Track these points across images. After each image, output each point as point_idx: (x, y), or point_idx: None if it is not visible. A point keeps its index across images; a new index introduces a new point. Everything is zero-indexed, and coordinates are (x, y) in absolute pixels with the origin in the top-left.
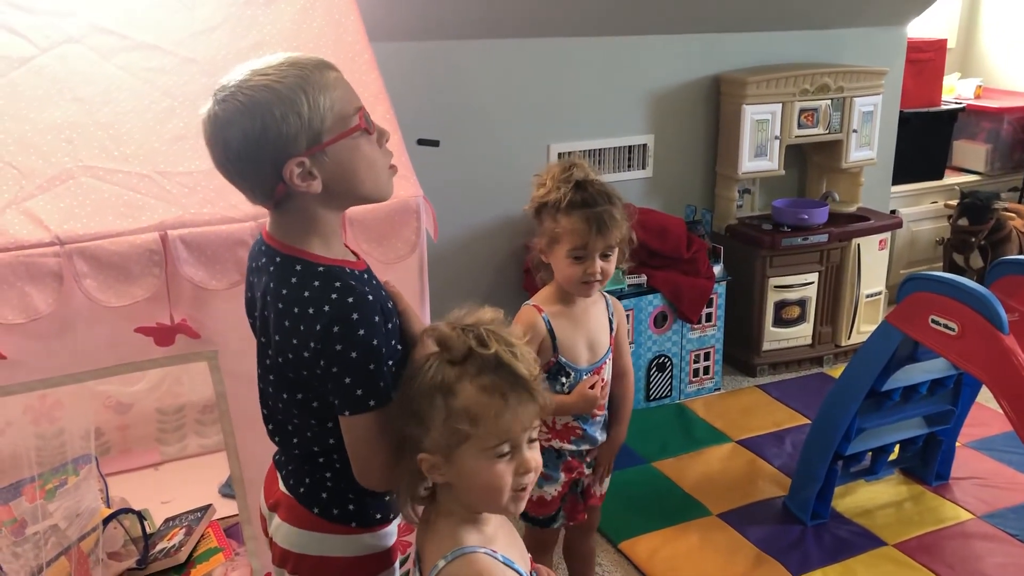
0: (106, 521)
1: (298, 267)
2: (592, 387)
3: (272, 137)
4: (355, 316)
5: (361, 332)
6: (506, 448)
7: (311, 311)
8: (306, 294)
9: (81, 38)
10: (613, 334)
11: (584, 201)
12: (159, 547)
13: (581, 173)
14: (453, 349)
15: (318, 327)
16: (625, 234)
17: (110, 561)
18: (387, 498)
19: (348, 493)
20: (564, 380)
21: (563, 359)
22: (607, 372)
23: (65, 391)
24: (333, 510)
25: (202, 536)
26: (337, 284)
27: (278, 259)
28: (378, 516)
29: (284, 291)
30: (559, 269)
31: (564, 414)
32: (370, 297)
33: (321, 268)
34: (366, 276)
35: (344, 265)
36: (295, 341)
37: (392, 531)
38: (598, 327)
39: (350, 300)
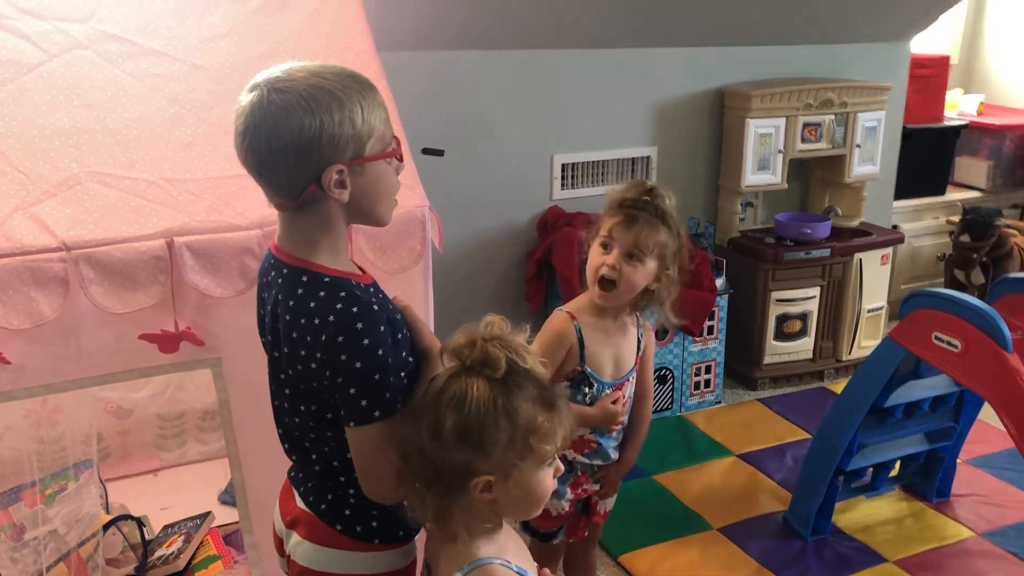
0: (105, 527)
1: (304, 278)
2: (614, 403)
3: (326, 138)
4: (359, 326)
5: (366, 342)
6: (553, 456)
7: (317, 321)
8: (312, 304)
9: (90, 44)
10: (639, 354)
11: (635, 204)
12: (157, 554)
13: (653, 190)
14: (496, 367)
15: (323, 337)
16: (663, 245)
17: (108, 568)
18: (410, 515)
19: (372, 510)
20: (587, 390)
21: (588, 369)
22: (629, 390)
23: (66, 396)
24: (356, 527)
25: (201, 543)
26: (342, 294)
27: (285, 271)
28: (400, 533)
29: (291, 302)
30: (589, 262)
31: (583, 426)
32: (375, 308)
33: (327, 279)
34: (372, 289)
35: (350, 277)
36: (303, 352)
37: (413, 548)
38: (626, 344)
39: (355, 310)
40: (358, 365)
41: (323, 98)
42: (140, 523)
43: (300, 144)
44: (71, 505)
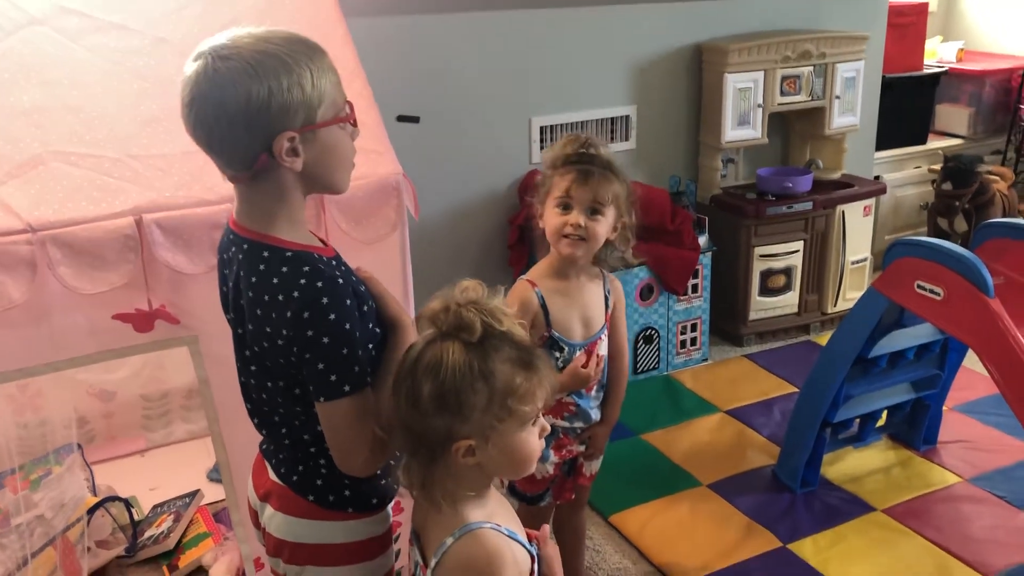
0: (93, 509)
1: (265, 253)
2: (585, 365)
3: (275, 105)
4: (325, 300)
5: (332, 316)
6: (537, 415)
7: (281, 297)
8: (275, 280)
9: (47, 20)
10: (609, 311)
11: (580, 158)
12: (148, 534)
13: (588, 141)
14: (471, 331)
15: (288, 313)
16: (619, 195)
17: (99, 549)
18: (383, 482)
19: (344, 479)
20: (558, 355)
21: (556, 334)
22: (602, 348)
23: (46, 381)
24: (329, 497)
25: (191, 522)
26: (306, 269)
27: (246, 246)
28: (374, 501)
29: (253, 279)
30: (548, 223)
31: (558, 392)
32: (340, 281)
33: (289, 253)
34: (334, 262)
35: (312, 251)
36: (268, 329)
37: (388, 515)
38: (593, 303)
39: (319, 284)
40: (325, 340)
41: (270, 64)
42: (128, 504)
43: (248, 113)
44: (56, 490)
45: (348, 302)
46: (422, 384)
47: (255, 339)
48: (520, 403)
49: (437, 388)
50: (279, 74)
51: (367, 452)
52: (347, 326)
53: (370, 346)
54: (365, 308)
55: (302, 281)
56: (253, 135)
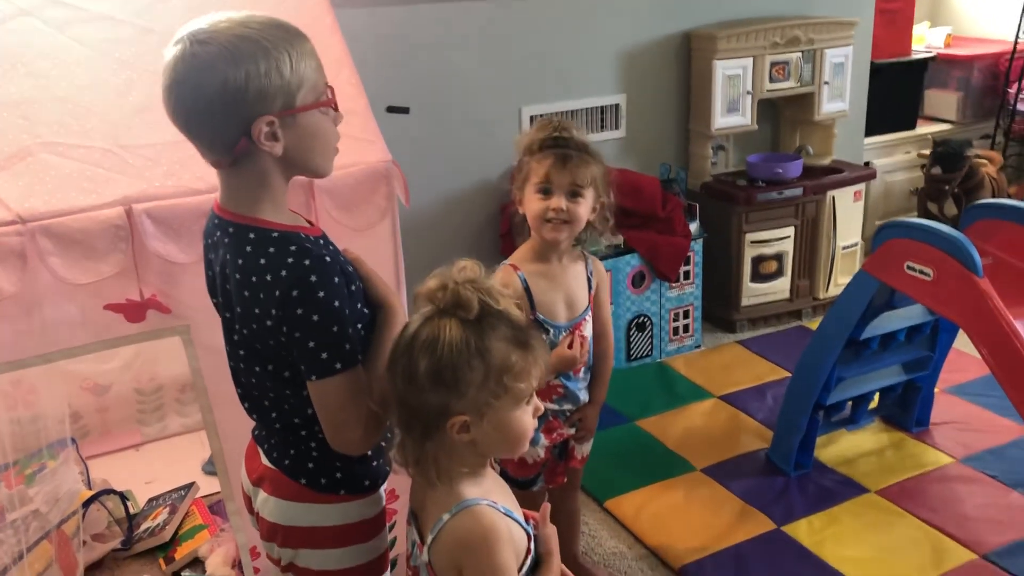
0: (87, 503)
1: (252, 235)
2: (570, 346)
3: (252, 90)
4: (313, 279)
5: (321, 294)
6: (531, 395)
7: (269, 278)
8: (262, 261)
9: (33, 10)
10: (592, 292)
11: (555, 142)
12: (144, 527)
13: (560, 125)
14: (468, 308)
15: (277, 293)
16: (597, 176)
17: (95, 543)
18: (374, 463)
19: (335, 461)
20: (543, 337)
21: (540, 316)
22: (587, 329)
23: (39, 375)
24: (321, 480)
25: (187, 514)
26: (292, 248)
27: (231, 230)
28: (367, 483)
29: (240, 260)
30: (528, 209)
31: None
32: (328, 259)
33: (275, 234)
34: (322, 241)
35: (299, 231)
36: (257, 310)
37: (381, 496)
38: (576, 284)
39: (307, 263)
40: (315, 318)
41: (248, 48)
42: (123, 497)
43: (225, 97)
44: (51, 484)
45: (336, 280)
46: (419, 360)
47: (243, 322)
48: (515, 380)
49: (434, 364)
50: (257, 58)
51: (360, 430)
52: (336, 303)
53: (359, 326)
54: (353, 287)
55: (290, 260)
56: (231, 120)
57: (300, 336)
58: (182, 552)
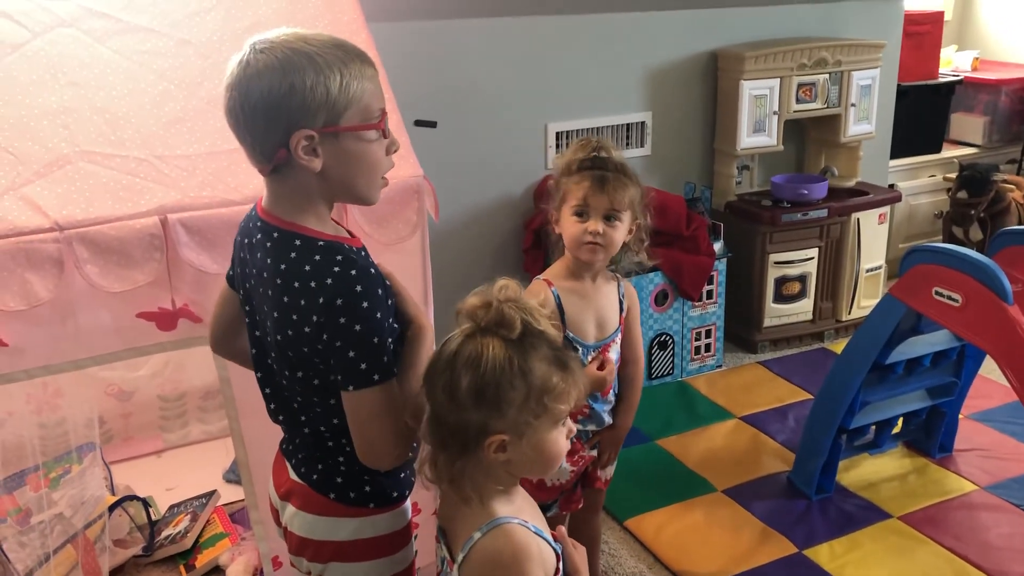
0: (111, 508)
1: (297, 242)
2: (600, 368)
3: (295, 102)
4: (359, 288)
5: (365, 305)
6: (566, 416)
7: (313, 284)
8: (307, 268)
9: (74, 22)
10: (623, 315)
11: (594, 163)
12: (165, 533)
13: (599, 145)
14: (511, 327)
15: (321, 300)
16: (634, 200)
17: (116, 548)
18: (401, 475)
19: (363, 475)
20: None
21: (570, 334)
22: (615, 351)
23: (66, 379)
24: (350, 493)
25: (208, 522)
26: (339, 257)
27: (276, 234)
28: (395, 495)
29: (283, 266)
30: (565, 230)
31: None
32: (372, 271)
33: (321, 243)
34: (363, 253)
35: (343, 241)
36: (295, 316)
37: (408, 508)
38: (607, 305)
39: (353, 273)
40: (357, 328)
41: (299, 61)
42: (146, 503)
43: (269, 104)
44: (76, 488)
45: (380, 292)
46: (461, 377)
47: (278, 327)
48: (555, 401)
49: (476, 382)
50: (305, 71)
51: (392, 445)
52: (378, 315)
53: (390, 341)
54: (390, 302)
55: (336, 269)
56: (272, 128)
57: (341, 345)
58: (203, 560)
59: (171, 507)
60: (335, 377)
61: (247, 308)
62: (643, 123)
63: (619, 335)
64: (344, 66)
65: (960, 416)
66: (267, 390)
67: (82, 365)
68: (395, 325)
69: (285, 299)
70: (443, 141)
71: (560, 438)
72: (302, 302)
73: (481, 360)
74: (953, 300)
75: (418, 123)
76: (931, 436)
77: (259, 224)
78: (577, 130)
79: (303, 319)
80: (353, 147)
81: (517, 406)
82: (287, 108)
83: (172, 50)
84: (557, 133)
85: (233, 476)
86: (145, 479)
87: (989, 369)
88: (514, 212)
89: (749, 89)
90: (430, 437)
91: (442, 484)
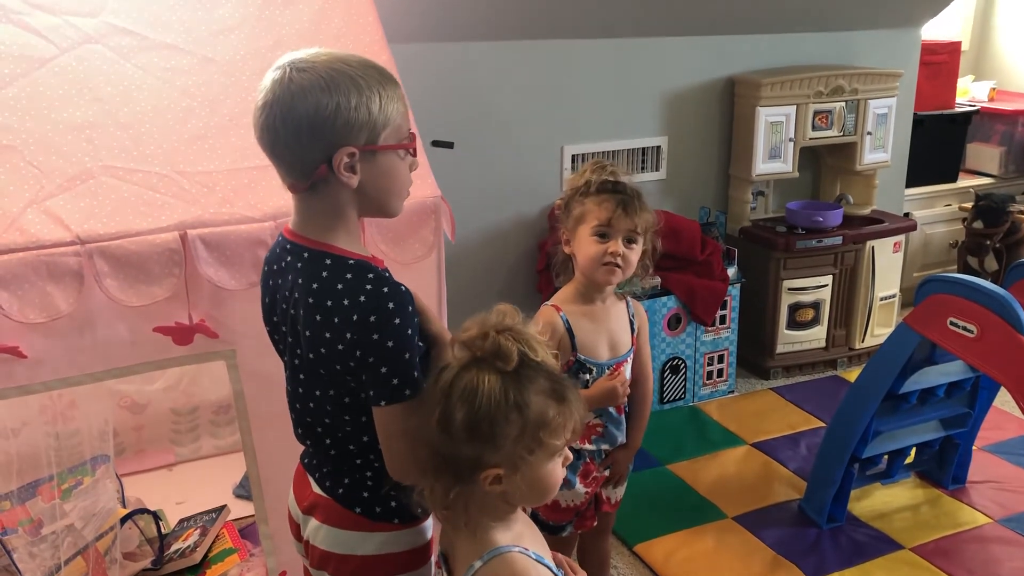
0: (122, 521)
1: (328, 261)
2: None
3: (340, 120)
4: (391, 305)
5: (397, 321)
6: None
7: (346, 302)
8: (339, 286)
9: (100, 38)
10: (634, 335)
11: (614, 186)
12: (174, 547)
13: (613, 169)
14: (508, 360)
15: (354, 317)
16: (650, 225)
17: (126, 561)
18: (416, 499)
19: (391, 490)
20: (587, 377)
21: (583, 357)
22: (627, 370)
23: (81, 390)
24: (376, 508)
25: (217, 537)
26: (371, 275)
27: (306, 254)
28: (419, 511)
29: (315, 285)
30: (582, 250)
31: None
32: (403, 289)
33: (352, 261)
34: (387, 274)
35: (372, 261)
36: (328, 334)
37: (429, 526)
38: (618, 326)
39: (385, 290)
40: (390, 344)
41: (342, 81)
42: (156, 517)
43: (314, 122)
44: (88, 499)
45: (410, 309)
46: (456, 410)
47: (311, 346)
48: (551, 436)
49: (471, 416)
50: (349, 92)
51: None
52: (409, 332)
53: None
54: (416, 320)
55: (368, 287)
56: (315, 145)
57: (374, 361)
58: (211, 575)
59: (181, 521)
60: (367, 393)
61: (275, 337)
62: (659, 147)
63: (631, 355)
64: (382, 88)
65: (974, 448)
66: (295, 412)
67: (99, 378)
68: (420, 344)
69: (318, 317)
70: (460, 162)
71: (556, 469)
72: (335, 320)
73: (476, 393)
74: (968, 331)
75: (436, 143)
76: (944, 467)
77: (288, 247)
78: (593, 153)
79: (336, 336)
80: (387, 164)
81: (512, 440)
82: (332, 126)
83: (196, 68)
84: (573, 156)
85: (243, 491)
86: (156, 492)
87: (1004, 401)
88: (529, 233)
89: (765, 115)
90: (424, 464)
91: (438, 512)
